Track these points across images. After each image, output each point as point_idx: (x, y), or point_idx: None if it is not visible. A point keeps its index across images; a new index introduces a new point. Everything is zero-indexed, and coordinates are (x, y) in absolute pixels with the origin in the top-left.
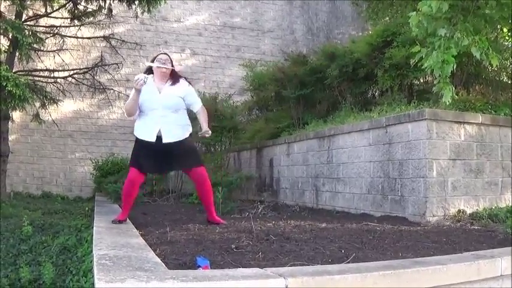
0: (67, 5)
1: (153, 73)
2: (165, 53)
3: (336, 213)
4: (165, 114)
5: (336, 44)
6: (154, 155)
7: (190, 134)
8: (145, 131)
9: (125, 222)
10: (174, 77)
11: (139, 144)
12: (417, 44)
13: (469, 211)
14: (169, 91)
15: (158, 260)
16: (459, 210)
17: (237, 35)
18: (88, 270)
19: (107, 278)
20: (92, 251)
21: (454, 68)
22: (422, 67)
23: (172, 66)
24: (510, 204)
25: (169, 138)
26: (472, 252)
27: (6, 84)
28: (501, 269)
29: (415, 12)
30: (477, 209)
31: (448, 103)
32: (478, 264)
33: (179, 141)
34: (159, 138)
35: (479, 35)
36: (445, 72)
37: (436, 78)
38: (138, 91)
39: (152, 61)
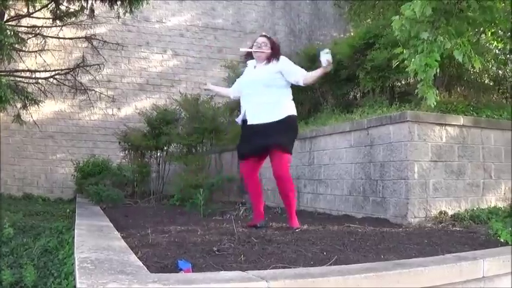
0: (49, 5)
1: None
2: (263, 35)
3: (317, 214)
4: (251, 93)
5: (318, 45)
6: (252, 136)
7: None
8: (241, 112)
9: (260, 223)
10: (272, 57)
11: (241, 129)
12: (399, 46)
13: (450, 212)
14: (261, 69)
15: (140, 263)
16: (441, 212)
17: (219, 36)
18: (70, 273)
19: (89, 281)
20: (73, 253)
21: (437, 70)
22: (406, 70)
23: (272, 46)
24: (492, 206)
25: (255, 119)
26: (454, 254)
27: None
28: (483, 271)
29: (398, 16)
30: (459, 211)
31: (433, 106)
32: (460, 266)
33: (278, 120)
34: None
35: (461, 37)
36: (428, 76)
37: (418, 81)
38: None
39: (252, 45)
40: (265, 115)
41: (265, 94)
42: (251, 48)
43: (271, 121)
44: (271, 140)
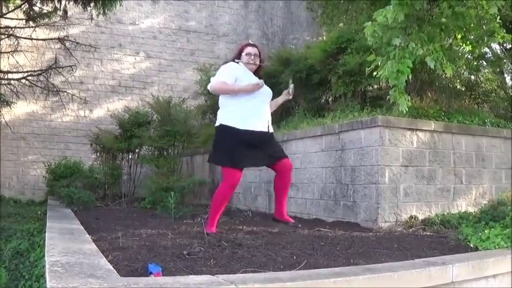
0: (22, 6)
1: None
2: (254, 45)
3: None
4: (266, 102)
5: (290, 49)
6: (255, 147)
7: None
8: (255, 121)
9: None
10: (259, 68)
11: (237, 135)
12: (372, 52)
13: (421, 217)
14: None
15: (110, 266)
16: (411, 216)
17: (191, 38)
18: (41, 275)
19: (59, 285)
20: (44, 256)
21: (409, 76)
22: (377, 76)
23: (261, 58)
24: (462, 211)
25: (271, 128)
26: (424, 259)
27: None
28: (452, 276)
29: (370, 23)
30: (429, 215)
31: (405, 112)
32: (429, 271)
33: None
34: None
35: (433, 43)
36: (400, 82)
37: (390, 86)
38: (252, 91)
39: (240, 52)
40: (269, 125)
41: (268, 105)
42: (239, 56)
43: (272, 131)
44: (280, 152)
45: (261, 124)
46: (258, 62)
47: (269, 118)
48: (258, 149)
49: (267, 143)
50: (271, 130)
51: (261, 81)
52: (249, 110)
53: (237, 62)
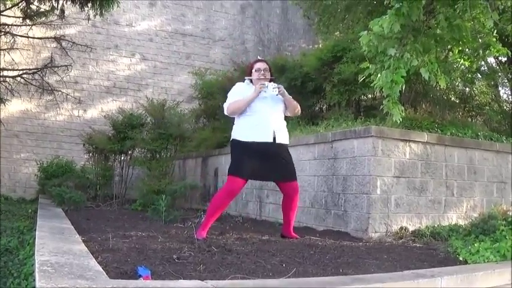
0: (20, 4)
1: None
2: (264, 61)
3: (279, 225)
4: (277, 115)
5: (286, 56)
6: (261, 159)
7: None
8: (258, 132)
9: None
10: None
11: (243, 147)
12: (366, 61)
13: (411, 228)
14: (272, 93)
15: (99, 268)
16: (401, 227)
17: (187, 42)
18: (29, 274)
19: (48, 285)
20: (33, 254)
21: (403, 87)
22: (371, 85)
23: (271, 72)
24: (453, 223)
25: (282, 139)
26: (413, 271)
27: None
28: None
29: (366, 32)
30: (420, 227)
31: (398, 122)
32: (418, 283)
33: (286, 144)
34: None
35: (428, 55)
36: (394, 92)
37: (384, 96)
38: (257, 95)
39: (250, 70)
40: (285, 136)
41: (278, 113)
42: (249, 73)
43: (286, 142)
44: (290, 173)
45: (265, 135)
46: (268, 76)
47: (277, 128)
48: (265, 161)
49: (274, 155)
50: (279, 141)
51: (265, 83)
52: (252, 123)
53: (245, 80)
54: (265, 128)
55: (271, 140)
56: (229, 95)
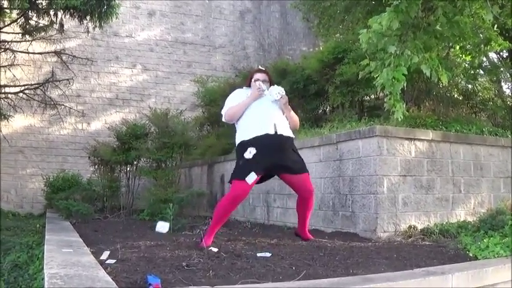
0: (19, 20)
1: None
2: (262, 71)
3: (287, 229)
4: (276, 112)
5: (287, 60)
6: (268, 151)
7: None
8: (257, 127)
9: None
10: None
11: (247, 146)
12: (367, 58)
13: (420, 227)
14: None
15: (109, 278)
16: (410, 226)
17: (188, 50)
18: None
19: None
20: (43, 269)
21: (405, 85)
22: (374, 83)
23: (270, 80)
24: (461, 220)
25: (284, 131)
26: (423, 269)
27: None
28: (451, 285)
29: (365, 30)
30: (428, 225)
31: (400, 119)
32: (429, 280)
33: (292, 138)
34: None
35: (429, 52)
36: (396, 89)
37: (386, 95)
38: (254, 99)
39: (250, 79)
40: (286, 128)
41: (276, 108)
42: (249, 83)
43: (290, 135)
44: (300, 165)
45: (265, 127)
46: (264, 88)
47: (278, 121)
48: (272, 153)
49: (280, 146)
50: (281, 132)
51: (263, 86)
52: (251, 119)
53: (244, 88)
54: (265, 121)
55: (273, 132)
56: (226, 101)
